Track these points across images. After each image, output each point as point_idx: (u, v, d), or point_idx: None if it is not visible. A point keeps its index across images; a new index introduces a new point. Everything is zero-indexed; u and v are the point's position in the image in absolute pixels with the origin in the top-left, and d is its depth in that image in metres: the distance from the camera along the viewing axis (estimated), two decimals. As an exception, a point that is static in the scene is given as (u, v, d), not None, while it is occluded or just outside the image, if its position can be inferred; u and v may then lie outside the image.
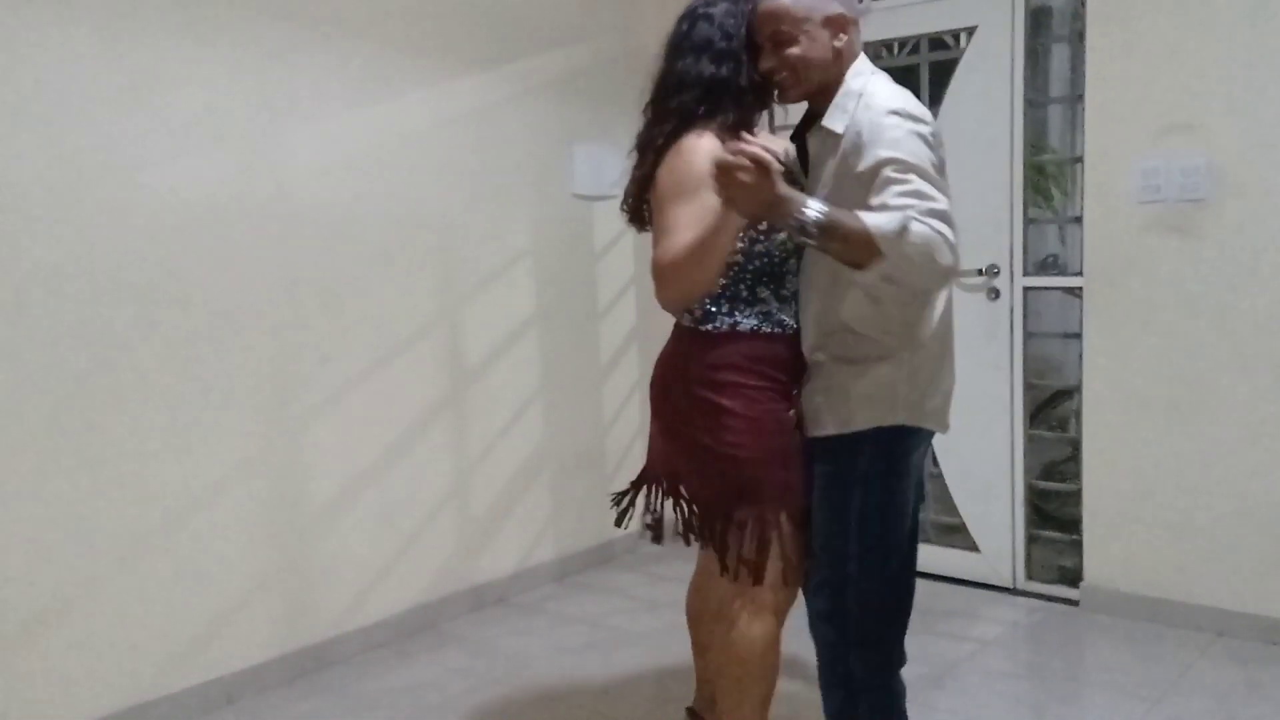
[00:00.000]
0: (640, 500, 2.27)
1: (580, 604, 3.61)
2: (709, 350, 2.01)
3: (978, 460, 3.58)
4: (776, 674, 2.12)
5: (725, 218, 1.79)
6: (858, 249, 1.68)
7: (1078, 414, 3.41)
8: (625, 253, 4.03)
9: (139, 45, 2.63)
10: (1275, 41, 2.93)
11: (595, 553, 3.99)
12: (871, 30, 3.69)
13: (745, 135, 1.80)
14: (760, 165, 1.67)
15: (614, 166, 3.91)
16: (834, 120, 1.90)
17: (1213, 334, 3.09)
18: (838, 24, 1.92)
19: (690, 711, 2.48)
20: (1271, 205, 2.98)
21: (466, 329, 3.50)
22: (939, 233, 1.67)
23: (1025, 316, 3.46)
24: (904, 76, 3.75)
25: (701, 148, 1.90)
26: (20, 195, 2.44)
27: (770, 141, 2.07)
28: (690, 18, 2.03)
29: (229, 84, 2.82)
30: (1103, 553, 3.32)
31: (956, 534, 3.68)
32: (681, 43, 2.02)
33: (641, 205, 2.07)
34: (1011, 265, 3.45)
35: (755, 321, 2.01)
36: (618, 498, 2.30)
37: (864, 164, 1.78)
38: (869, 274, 1.71)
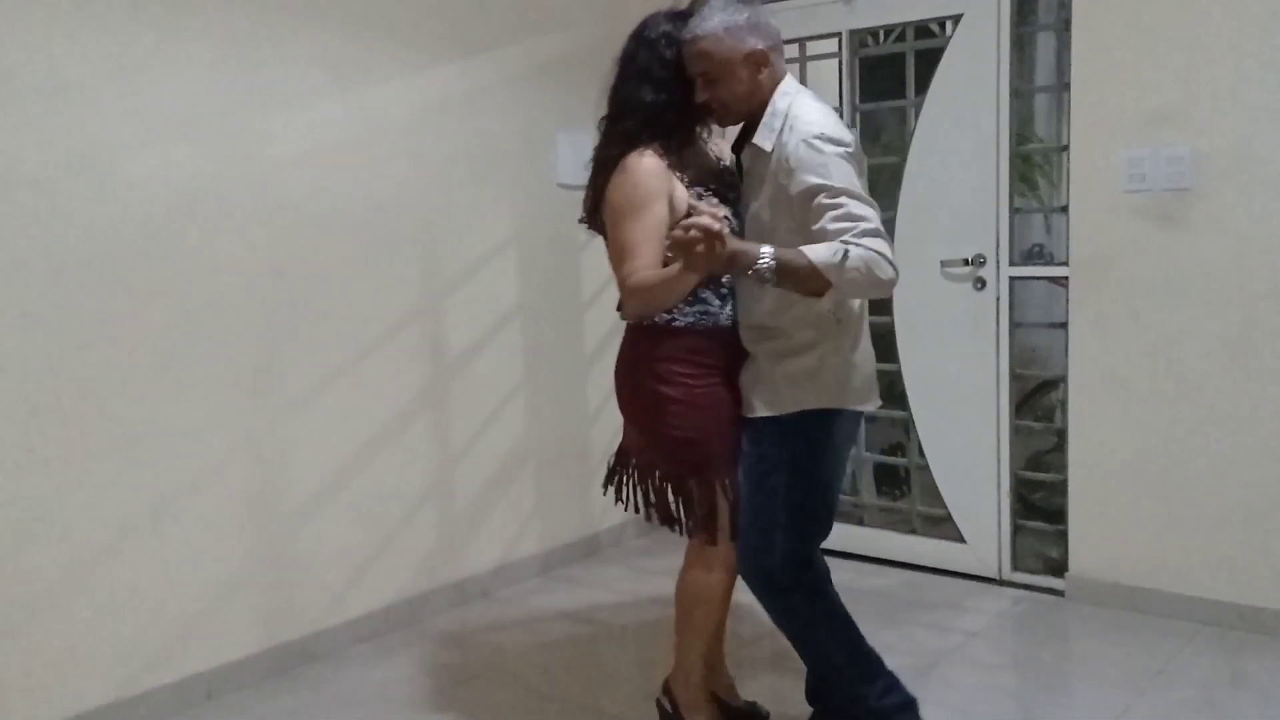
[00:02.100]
0: (627, 480, 2.45)
1: (564, 598, 3.59)
2: (653, 347, 2.25)
3: (963, 451, 3.57)
4: (724, 615, 2.43)
5: (684, 275, 2.01)
6: (809, 282, 1.93)
7: (1063, 404, 3.41)
8: (609, 243, 4.00)
9: (116, 33, 2.59)
10: (1260, 31, 2.92)
11: (579, 546, 3.97)
12: (857, 18, 3.68)
13: (693, 204, 2.08)
14: (710, 234, 1.86)
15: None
16: (762, 139, 2.12)
17: (1198, 323, 3.08)
18: (757, 59, 2.12)
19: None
20: (1256, 194, 2.97)
21: (449, 320, 3.47)
22: (875, 251, 1.91)
23: (1011, 306, 3.45)
24: (890, 65, 3.76)
25: (643, 166, 2.12)
26: (-10, 184, 2.40)
27: (717, 146, 2.36)
28: (636, 41, 2.22)
29: (207, 72, 2.78)
30: (1088, 543, 3.32)
31: (942, 525, 3.68)
32: (627, 67, 2.22)
33: (596, 214, 2.27)
34: (997, 255, 3.44)
35: (692, 319, 2.23)
36: (607, 481, 2.49)
37: (795, 188, 2.02)
38: (826, 300, 1.99)
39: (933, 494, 3.68)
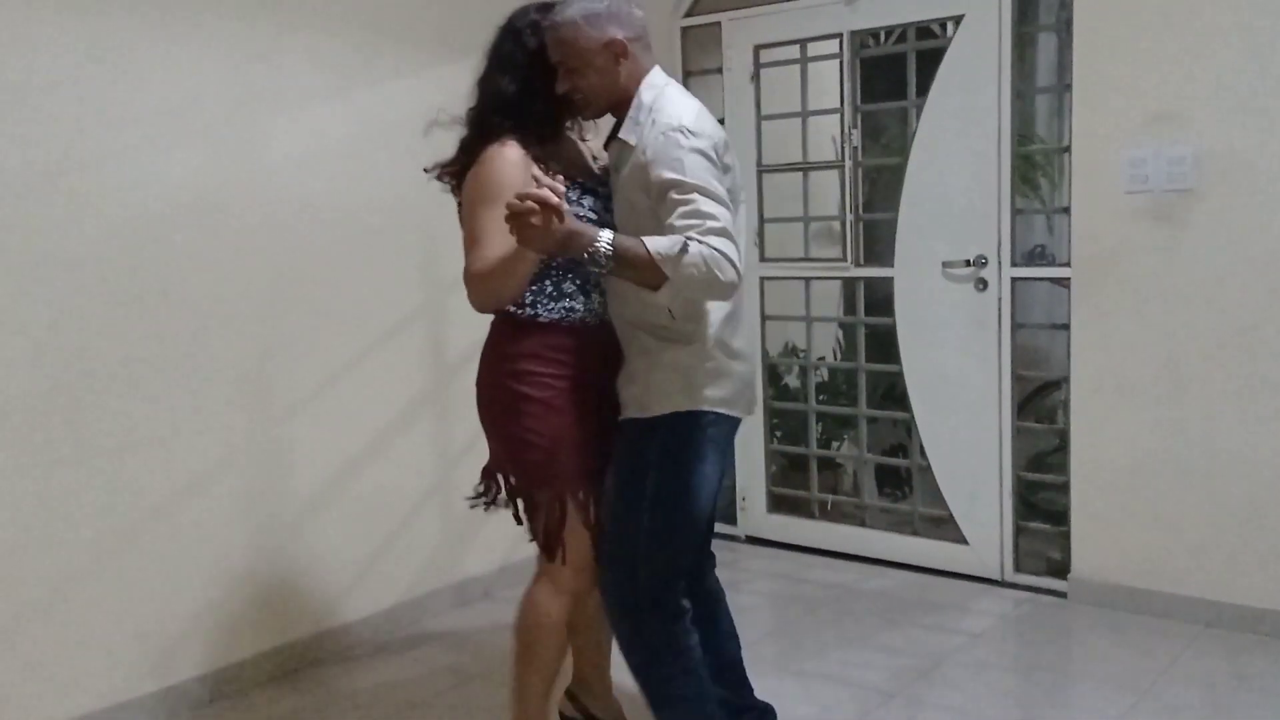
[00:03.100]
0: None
1: (566, 598, 3.58)
2: (513, 343, 2.14)
3: (965, 452, 3.57)
4: (565, 652, 2.29)
5: (521, 253, 1.93)
6: (646, 273, 1.87)
7: (1066, 405, 3.40)
8: (611, 244, 3.99)
9: (116, 35, 2.59)
10: (1261, 31, 2.92)
11: (582, 547, 3.96)
12: (858, 19, 3.67)
13: (536, 174, 1.91)
14: (547, 207, 1.79)
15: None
16: (628, 133, 2.06)
17: (1200, 324, 3.07)
18: (617, 48, 2.06)
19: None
20: (1258, 195, 2.96)
21: (450, 321, 3.46)
22: (717, 250, 1.86)
23: (1013, 307, 3.44)
24: (891, 66, 3.76)
25: (503, 156, 2.06)
26: (-8, 186, 2.40)
27: (589, 149, 2.28)
28: (503, 33, 2.18)
29: (209, 74, 2.78)
30: (1091, 544, 3.31)
31: (944, 526, 3.67)
32: (492, 58, 2.17)
33: (458, 188, 2.19)
34: (999, 256, 3.43)
35: (558, 315, 2.13)
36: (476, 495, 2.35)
37: (651, 182, 1.96)
38: (663, 294, 1.91)
39: (934, 495, 3.67)
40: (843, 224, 3.83)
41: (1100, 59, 3.16)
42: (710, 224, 1.88)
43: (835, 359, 4.40)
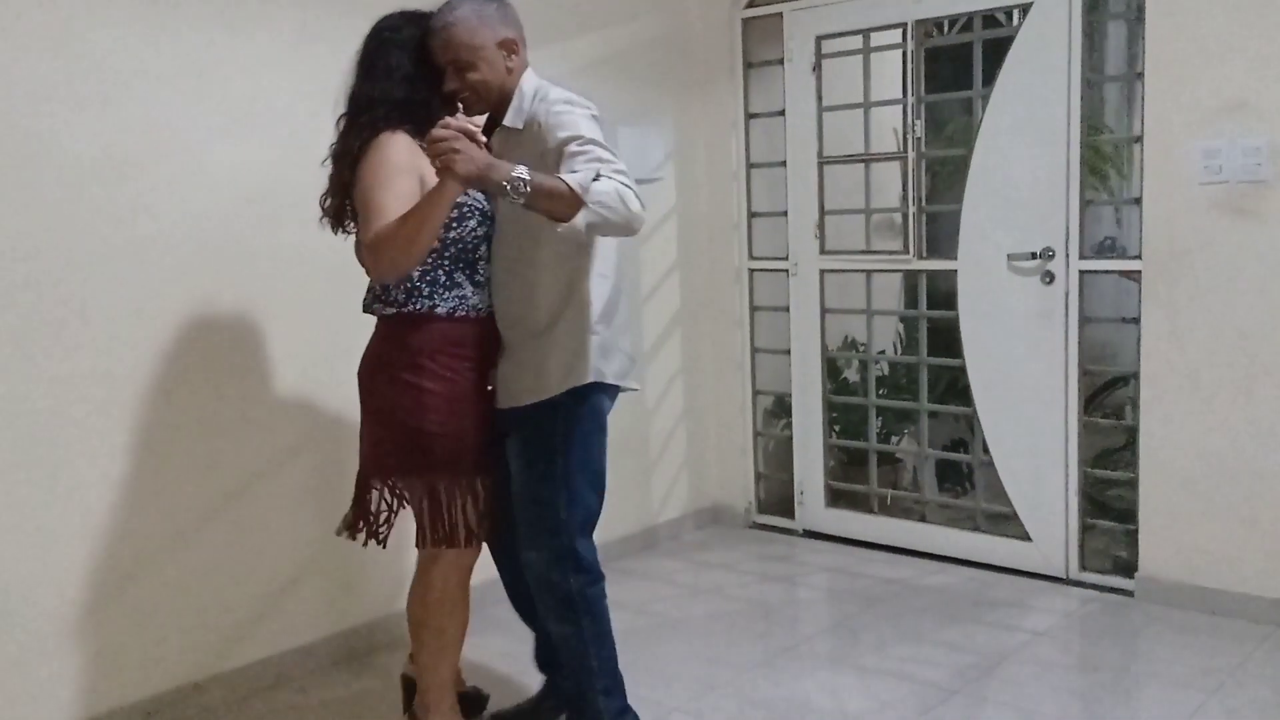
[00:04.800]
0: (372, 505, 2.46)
1: (623, 590, 3.59)
2: (409, 337, 2.23)
3: (1030, 448, 3.52)
4: (467, 617, 2.44)
5: (439, 190, 1.98)
6: (561, 203, 1.97)
7: (1134, 401, 3.34)
8: (669, 237, 4.00)
9: (192, 28, 2.66)
10: (1346, 15, 2.84)
11: (638, 538, 3.97)
12: (922, 9, 3.63)
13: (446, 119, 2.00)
14: (468, 134, 1.93)
15: (658, 149, 3.89)
16: (513, 119, 2.22)
17: (1274, 318, 2.99)
18: (509, 46, 2.22)
19: (404, 677, 2.62)
20: (1340, 185, 2.88)
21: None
22: (625, 184, 2.02)
23: (1081, 301, 3.38)
24: (957, 55, 3.71)
25: (395, 142, 2.13)
26: (77, 177, 2.47)
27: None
28: (378, 39, 2.24)
29: (279, 68, 2.83)
30: (1159, 542, 3.25)
31: (1007, 522, 3.62)
32: (373, 65, 2.22)
33: (343, 208, 2.24)
34: (1067, 248, 3.37)
35: (451, 305, 2.22)
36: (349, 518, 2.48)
37: (549, 148, 2.11)
38: (577, 223, 1.98)
39: (997, 491, 3.63)
40: (904, 216, 3.80)
41: (1172, 47, 3.08)
42: (614, 165, 2.04)
43: (895, 353, 4.36)
